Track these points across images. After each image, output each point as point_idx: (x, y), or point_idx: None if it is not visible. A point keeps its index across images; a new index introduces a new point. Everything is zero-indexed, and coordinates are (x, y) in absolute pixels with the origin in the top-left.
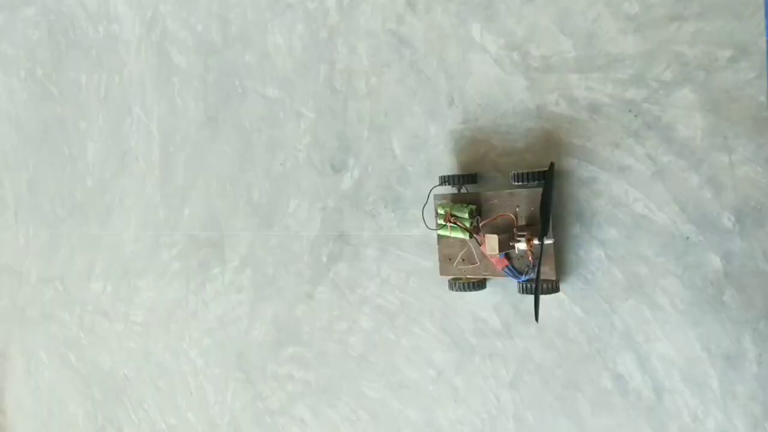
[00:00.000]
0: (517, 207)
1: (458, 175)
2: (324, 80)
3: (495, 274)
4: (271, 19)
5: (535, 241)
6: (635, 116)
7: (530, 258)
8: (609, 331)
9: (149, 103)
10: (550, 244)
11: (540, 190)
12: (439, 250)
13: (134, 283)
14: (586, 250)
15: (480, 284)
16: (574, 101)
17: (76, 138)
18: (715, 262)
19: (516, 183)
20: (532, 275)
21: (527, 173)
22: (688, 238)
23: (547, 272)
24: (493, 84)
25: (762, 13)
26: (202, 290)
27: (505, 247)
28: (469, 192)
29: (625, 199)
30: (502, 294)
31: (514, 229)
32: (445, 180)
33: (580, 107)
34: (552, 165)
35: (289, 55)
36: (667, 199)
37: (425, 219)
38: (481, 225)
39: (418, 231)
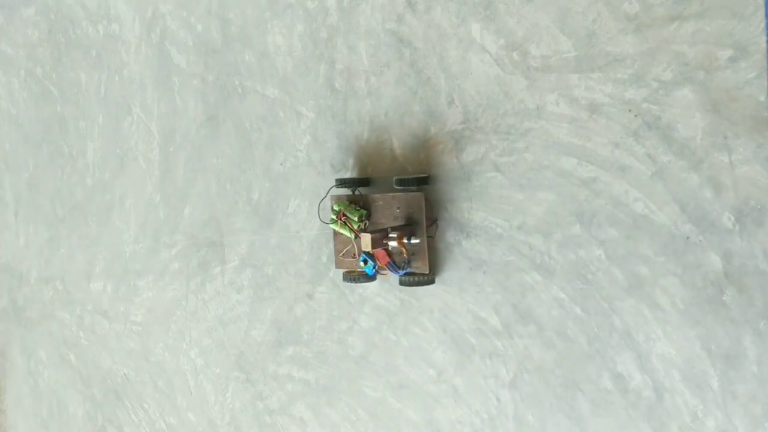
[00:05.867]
0: (397, 209)
1: (352, 179)
2: (324, 80)
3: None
4: (270, 18)
5: (405, 240)
6: (635, 116)
7: (405, 255)
8: (609, 331)
9: (149, 102)
10: (418, 242)
11: (419, 194)
12: (335, 245)
13: (134, 283)
14: (586, 249)
15: (371, 278)
16: (574, 101)
17: (76, 138)
18: (715, 262)
19: (397, 187)
20: (409, 269)
21: (407, 179)
22: (688, 238)
23: (421, 267)
24: (493, 84)
25: (762, 13)
26: (202, 290)
27: (378, 244)
28: (361, 194)
29: (625, 199)
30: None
31: (388, 229)
32: (341, 182)
33: (580, 107)
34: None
35: (289, 55)
36: (667, 199)
37: (320, 214)
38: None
39: None
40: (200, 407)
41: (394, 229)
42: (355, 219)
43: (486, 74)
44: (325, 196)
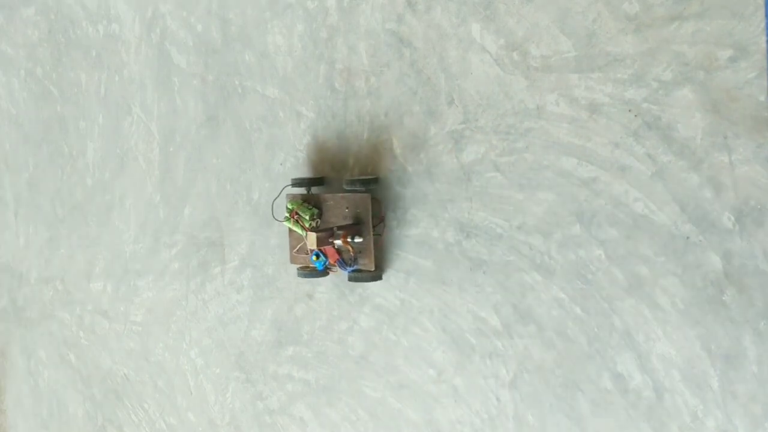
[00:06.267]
0: (346, 208)
1: (307, 178)
2: (324, 80)
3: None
4: (270, 18)
5: (349, 239)
6: (635, 116)
7: (351, 253)
8: (609, 331)
9: (149, 102)
10: (361, 241)
11: (366, 195)
12: (290, 242)
13: (134, 283)
14: (587, 249)
15: (323, 273)
16: (574, 101)
17: (76, 138)
18: (715, 262)
19: (347, 188)
20: (356, 267)
21: (356, 180)
22: (688, 238)
23: (367, 264)
24: (493, 84)
25: (762, 13)
26: (202, 290)
27: (323, 243)
28: (313, 194)
29: (625, 199)
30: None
31: (334, 228)
32: (296, 182)
33: (580, 107)
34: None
35: (289, 55)
36: (667, 199)
37: (274, 211)
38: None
39: (418, 231)
40: (200, 407)
41: (340, 228)
42: (307, 217)
43: (486, 74)
44: (279, 195)
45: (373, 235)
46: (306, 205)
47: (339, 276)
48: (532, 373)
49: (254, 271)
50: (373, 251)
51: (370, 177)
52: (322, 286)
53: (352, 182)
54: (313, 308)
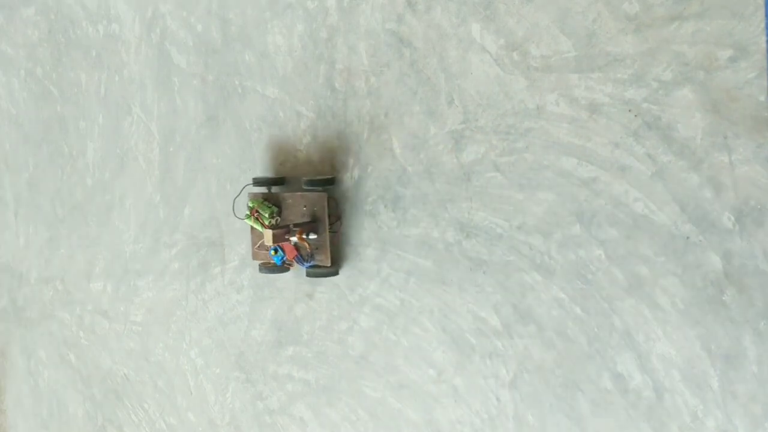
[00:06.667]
0: (304, 207)
1: (267, 178)
2: (324, 80)
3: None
4: (270, 18)
5: (305, 236)
6: (635, 116)
7: (308, 249)
8: (609, 331)
9: (149, 102)
10: (316, 238)
11: (322, 194)
12: (252, 239)
13: (134, 283)
14: (586, 249)
15: (284, 269)
16: (574, 101)
17: (76, 138)
18: (715, 262)
19: (305, 187)
20: (313, 262)
21: (313, 180)
22: (688, 238)
23: (323, 260)
24: (493, 84)
25: (762, 13)
26: (202, 290)
27: (279, 239)
28: (274, 193)
29: (625, 199)
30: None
31: (290, 225)
32: (257, 182)
33: (580, 107)
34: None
35: (289, 55)
36: (667, 199)
37: (234, 210)
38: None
39: (418, 231)
40: (200, 407)
41: (296, 225)
42: (266, 215)
43: (486, 74)
44: (240, 194)
45: (330, 232)
46: (266, 203)
47: (339, 275)
48: (532, 373)
49: (254, 271)
50: (329, 248)
51: (326, 177)
52: (323, 286)
53: (310, 182)
54: (313, 308)
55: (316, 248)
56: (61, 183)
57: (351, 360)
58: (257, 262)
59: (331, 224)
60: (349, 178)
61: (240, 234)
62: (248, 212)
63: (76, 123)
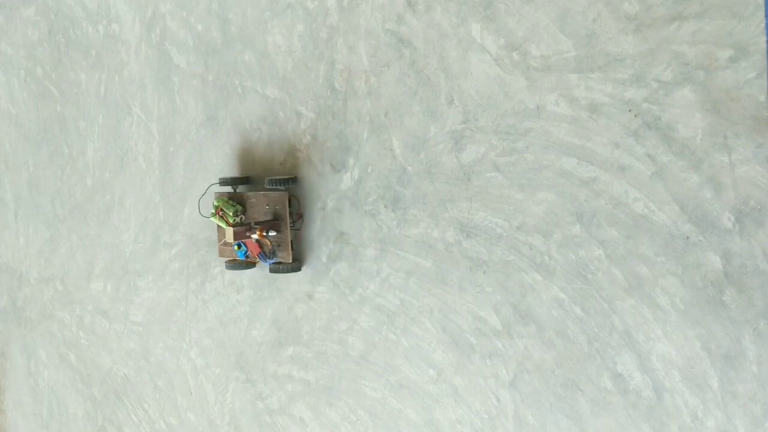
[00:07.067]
0: (266, 205)
1: (233, 178)
2: (324, 80)
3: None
4: (270, 18)
5: (265, 233)
6: (635, 116)
7: (269, 246)
8: (609, 331)
9: (149, 102)
10: (275, 235)
11: (284, 193)
12: (218, 237)
13: (134, 282)
14: (587, 249)
15: (250, 264)
16: (574, 101)
17: (76, 138)
18: (715, 262)
19: (268, 187)
20: (276, 259)
21: (275, 179)
22: (688, 238)
23: (285, 257)
24: (493, 84)
25: (762, 13)
26: (202, 290)
27: (240, 237)
28: (239, 192)
29: (625, 199)
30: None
31: (252, 223)
32: (223, 181)
33: (580, 107)
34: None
35: (289, 55)
36: (667, 199)
37: (200, 208)
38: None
39: (418, 231)
40: (200, 407)
41: (258, 223)
42: (231, 213)
43: (486, 74)
44: (204, 193)
45: (292, 229)
46: (231, 202)
47: (339, 275)
48: (532, 373)
49: (254, 271)
50: (290, 245)
51: (288, 177)
52: (322, 286)
53: (272, 181)
54: (313, 308)
55: (278, 245)
56: (61, 183)
57: (351, 360)
58: (223, 259)
59: (293, 222)
60: (349, 178)
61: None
62: (213, 211)
63: (76, 123)
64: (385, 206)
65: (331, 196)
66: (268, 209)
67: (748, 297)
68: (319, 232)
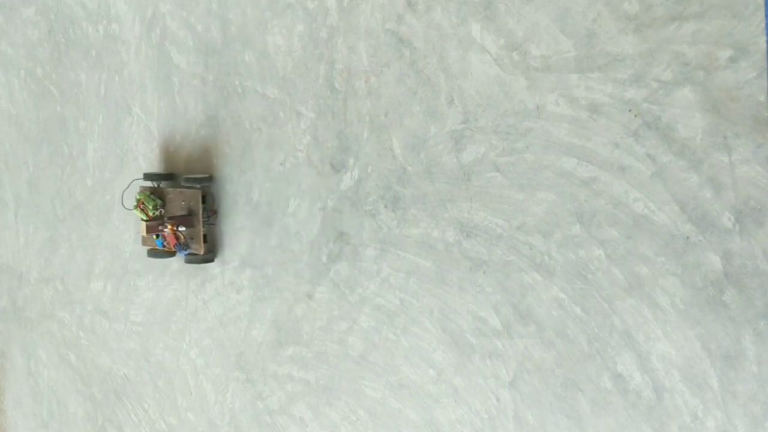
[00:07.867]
0: (182, 201)
1: (156, 174)
2: (324, 80)
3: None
4: (270, 18)
5: (176, 228)
6: (635, 116)
7: (182, 239)
8: (609, 331)
9: (149, 102)
10: (184, 230)
11: (197, 191)
12: (140, 228)
13: (134, 283)
14: (587, 249)
15: (170, 254)
16: (574, 101)
17: (76, 138)
18: (715, 262)
19: (184, 184)
20: (191, 251)
21: (189, 177)
22: (688, 238)
23: (197, 249)
24: (493, 84)
25: (762, 13)
26: (202, 290)
27: (153, 230)
28: (161, 187)
29: (625, 199)
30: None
31: (165, 217)
32: (147, 176)
33: (580, 107)
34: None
35: (289, 55)
36: (667, 199)
37: (123, 201)
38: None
39: (418, 231)
40: (200, 407)
41: (170, 218)
42: (150, 207)
43: (486, 74)
44: (128, 186)
45: (207, 224)
46: (152, 196)
47: (339, 275)
48: (532, 373)
49: (254, 271)
50: (202, 238)
51: (202, 176)
52: (323, 286)
53: (188, 179)
54: (313, 308)
55: (191, 238)
56: (61, 183)
57: (351, 360)
58: (146, 248)
59: (207, 218)
60: (349, 178)
61: (239, 234)
62: (135, 204)
63: (76, 123)
64: (385, 206)
65: (331, 196)
66: (184, 205)
67: (748, 297)
68: (319, 232)
